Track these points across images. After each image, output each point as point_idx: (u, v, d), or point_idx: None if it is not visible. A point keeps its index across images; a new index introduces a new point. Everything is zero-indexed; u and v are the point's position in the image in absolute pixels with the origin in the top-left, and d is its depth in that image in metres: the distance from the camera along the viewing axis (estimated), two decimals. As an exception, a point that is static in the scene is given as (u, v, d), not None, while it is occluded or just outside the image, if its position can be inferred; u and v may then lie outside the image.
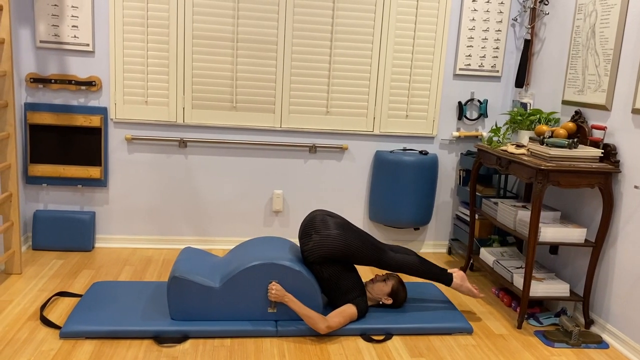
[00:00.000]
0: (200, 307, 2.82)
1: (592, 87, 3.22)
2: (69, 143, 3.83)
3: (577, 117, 3.30)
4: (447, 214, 4.36)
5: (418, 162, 3.97)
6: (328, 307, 3.01)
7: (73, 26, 3.71)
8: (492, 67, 4.15)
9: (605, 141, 3.10)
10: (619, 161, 3.01)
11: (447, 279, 3.16)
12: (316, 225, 2.93)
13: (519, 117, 3.58)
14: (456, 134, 4.18)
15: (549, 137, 3.18)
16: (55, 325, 2.78)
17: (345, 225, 2.98)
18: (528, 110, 3.67)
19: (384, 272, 3.54)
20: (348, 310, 2.88)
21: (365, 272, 3.82)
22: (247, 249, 3.06)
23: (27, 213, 3.91)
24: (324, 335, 2.86)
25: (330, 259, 2.89)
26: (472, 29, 4.06)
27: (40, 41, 3.69)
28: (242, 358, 2.63)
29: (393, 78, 4.06)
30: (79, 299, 3.12)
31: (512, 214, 3.33)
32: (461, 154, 4.21)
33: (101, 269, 3.60)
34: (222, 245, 4.14)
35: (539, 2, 3.82)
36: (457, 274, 3.19)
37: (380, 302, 3.09)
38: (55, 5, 3.66)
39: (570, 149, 3.02)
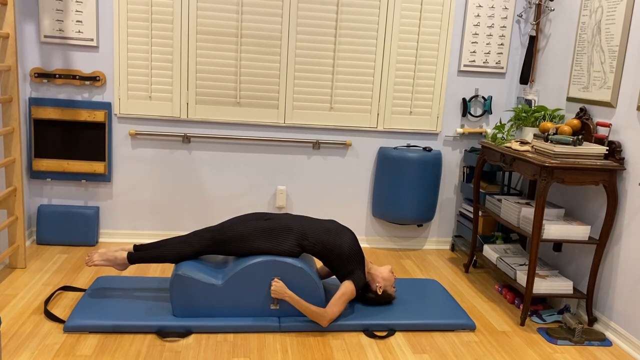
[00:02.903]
0: (203, 304, 2.83)
1: (597, 84, 3.21)
2: (73, 138, 3.84)
3: (582, 114, 3.29)
4: (451, 210, 4.36)
5: (422, 159, 3.96)
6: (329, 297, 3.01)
7: (77, 21, 3.71)
8: (496, 63, 4.13)
9: (610, 138, 3.09)
10: (623, 158, 3.00)
11: (132, 258, 2.95)
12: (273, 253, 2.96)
13: (524, 114, 3.57)
14: (460, 130, 4.17)
15: (554, 134, 3.17)
16: (59, 320, 2.79)
17: (250, 253, 2.94)
18: (532, 107, 3.66)
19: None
20: (347, 291, 2.86)
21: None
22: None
23: (31, 207, 3.93)
24: (327, 329, 2.87)
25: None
26: (476, 25, 4.05)
27: (45, 36, 3.70)
28: (245, 353, 2.63)
29: (397, 74, 4.05)
30: (82, 293, 3.13)
31: (516, 211, 3.33)
32: (465, 150, 4.20)
33: (105, 263, 3.61)
34: (225, 241, 4.14)
35: (545, -2, 3.80)
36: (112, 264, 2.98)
37: (374, 286, 3.06)
38: (60, 0, 3.66)
39: (574, 146, 3.01)
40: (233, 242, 2.89)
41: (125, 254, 2.96)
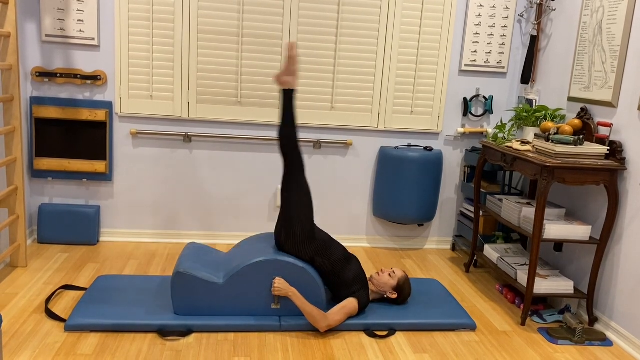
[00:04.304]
0: (204, 302, 2.83)
1: (599, 84, 3.21)
2: (74, 137, 3.85)
3: (583, 114, 3.29)
4: (452, 210, 4.36)
5: (422, 158, 3.96)
6: (332, 302, 3.01)
7: (79, 20, 3.71)
8: (497, 63, 4.13)
9: (611, 138, 3.09)
10: (624, 158, 3.00)
11: (287, 93, 2.93)
12: (279, 248, 2.96)
13: (525, 114, 3.57)
14: (461, 130, 4.17)
15: (555, 133, 3.17)
16: (60, 318, 2.79)
17: (281, 221, 2.95)
18: (534, 107, 3.65)
19: (391, 267, 3.54)
20: (349, 305, 2.88)
21: (369, 268, 3.83)
22: (251, 245, 3.06)
23: (32, 206, 3.93)
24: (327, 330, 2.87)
25: (310, 237, 2.90)
26: (478, 24, 4.05)
27: (46, 35, 3.70)
28: (245, 352, 2.64)
29: (398, 74, 4.05)
30: (83, 292, 3.14)
31: (516, 211, 3.32)
32: (466, 150, 4.20)
33: (106, 262, 3.61)
34: (226, 240, 4.15)
35: (546, -2, 3.80)
36: (279, 81, 2.93)
37: (385, 296, 3.09)
38: (61, -1, 3.67)
39: (575, 145, 3.01)
40: (283, 206, 2.94)
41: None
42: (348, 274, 2.94)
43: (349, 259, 2.99)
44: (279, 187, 4.10)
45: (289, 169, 2.94)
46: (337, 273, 2.93)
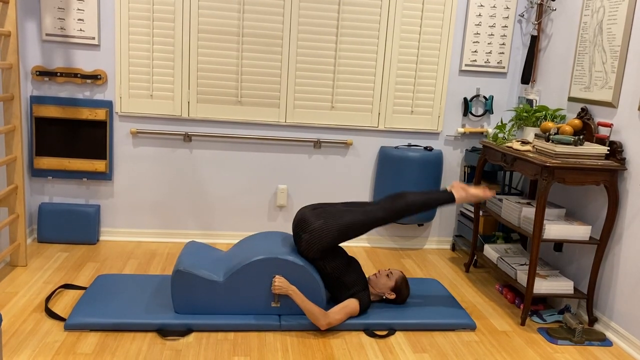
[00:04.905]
0: (204, 301, 2.83)
1: (599, 84, 3.21)
2: (74, 136, 3.85)
3: (583, 114, 3.29)
4: (451, 210, 4.36)
5: (423, 158, 3.96)
6: (331, 302, 3.01)
7: (79, 19, 3.71)
8: (498, 63, 4.13)
9: (612, 138, 3.09)
10: (625, 159, 3.00)
11: (449, 197, 3.02)
12: (302, 225, 2.92)
13: (525, 114, 3.57)
14: (461, 130, 4.17)
15: (555, 134, 3.17)
16: (60, 317, 2.79)
17: (327, 211, 2.94)
18: (534, 107, 3.65)
19: (388, 267, 3.54)
20: (350, 305, 2.88)
21: (369, 268, 3.83)
22: (251, 244, 3.06)
23: (32, 206, 3.93)
24: (327, 329, 2.87)
25: (328, 248, 2.88)
26: (478, 24, 4.05)
27: (46, 34, 3.70)
28: (245, 352, 2.64)
29: (398, 74, 4.05)
30: (83, 291, 3.14)
31: (516, 211, 3.33)
32: (466, 150, 4.20)
33: (106, 261, 3.61)
34: (226, 240, 4.15)
35: (546, -2, 3.80)
36: (456, 187, 3.04)
37: (384, 297, 3.09)
38: (62, -2, 3.67)
39: (575, 146, 3.01)
40: (343, 211, 2.96)
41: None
42: (347, 278, 2.94)
43: (348, 263, 2.99)
44: (279, 186, 4.10)
45: (381, 213, 2.94)
46: (337, 277, 2.93)
